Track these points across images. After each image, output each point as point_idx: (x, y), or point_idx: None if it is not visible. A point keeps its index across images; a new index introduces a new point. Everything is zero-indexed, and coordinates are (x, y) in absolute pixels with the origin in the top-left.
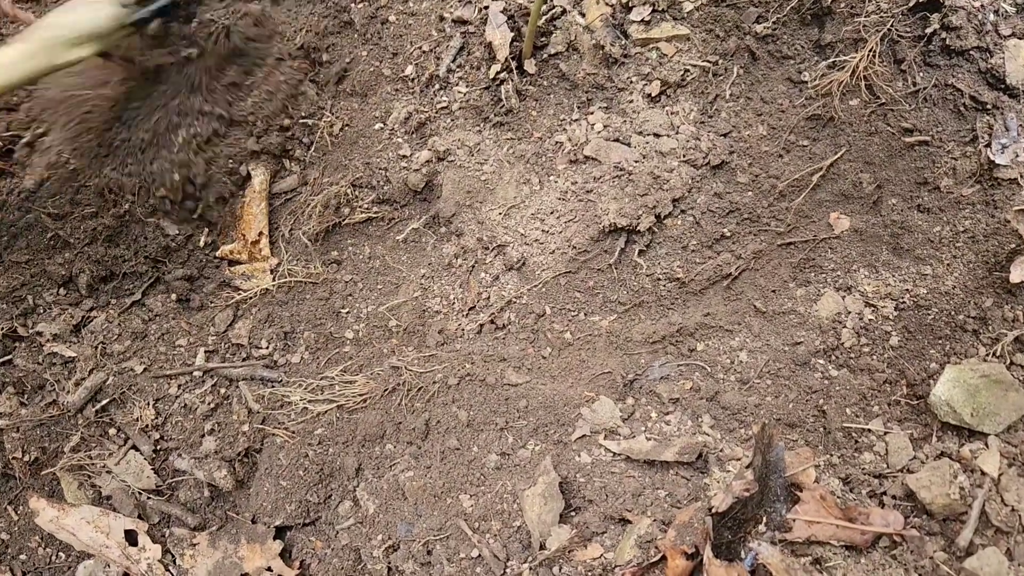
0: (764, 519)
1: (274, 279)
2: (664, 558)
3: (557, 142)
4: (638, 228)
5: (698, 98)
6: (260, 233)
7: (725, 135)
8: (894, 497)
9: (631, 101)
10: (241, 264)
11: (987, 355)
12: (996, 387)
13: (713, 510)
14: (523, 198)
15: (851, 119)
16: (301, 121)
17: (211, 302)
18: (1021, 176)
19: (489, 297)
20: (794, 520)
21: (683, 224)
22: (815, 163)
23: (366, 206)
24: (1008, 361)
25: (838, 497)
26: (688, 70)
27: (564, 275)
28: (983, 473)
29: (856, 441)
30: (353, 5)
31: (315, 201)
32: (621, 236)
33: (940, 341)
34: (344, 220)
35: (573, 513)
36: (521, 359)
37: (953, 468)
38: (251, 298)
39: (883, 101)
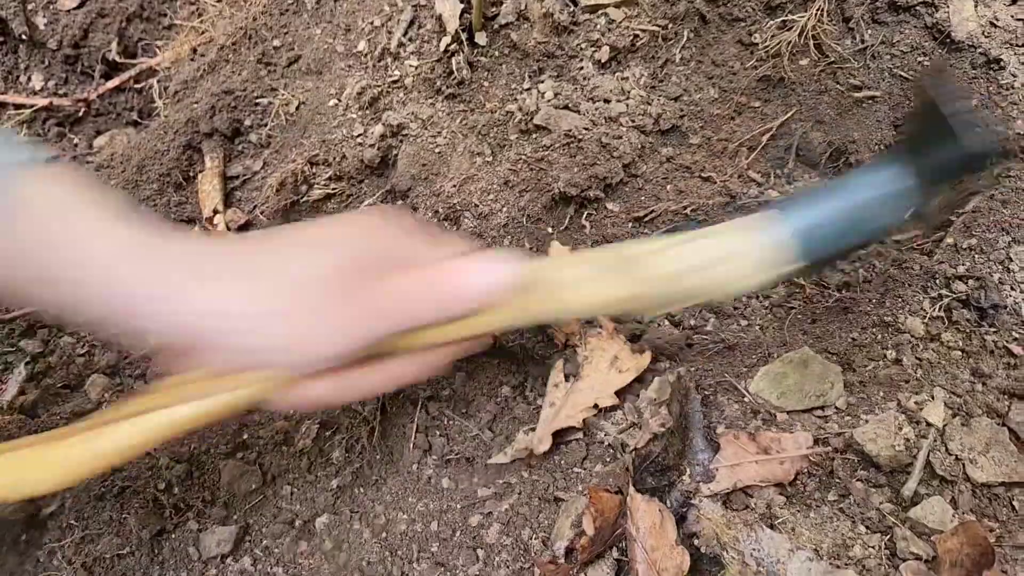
0: (688, 471)
1: None
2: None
3: (508, 112)
4: (586, 197)
5: (648, 63)
6: (215, 210)
7: (676, 99)
8: (840, 451)
9: (581, 68)
10: None
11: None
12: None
13: (631, 448)
14: (476, 169)
15: (801, 79)
16: (254, 101)
17: None
18: None
19: None
20: (717, 469)
21: (632, 189)
22: (766, 123)
23: (323, 183)
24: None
25: (750, 433)
26: (638, 35)
27: (519, 247)
28: (928, 424)
29: None
30: None
31: (272, 180)
32: (571, 205)
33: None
34: (302, 198)
35: None
36: None
37: (898, 420)
38: None
39: (832, 60)
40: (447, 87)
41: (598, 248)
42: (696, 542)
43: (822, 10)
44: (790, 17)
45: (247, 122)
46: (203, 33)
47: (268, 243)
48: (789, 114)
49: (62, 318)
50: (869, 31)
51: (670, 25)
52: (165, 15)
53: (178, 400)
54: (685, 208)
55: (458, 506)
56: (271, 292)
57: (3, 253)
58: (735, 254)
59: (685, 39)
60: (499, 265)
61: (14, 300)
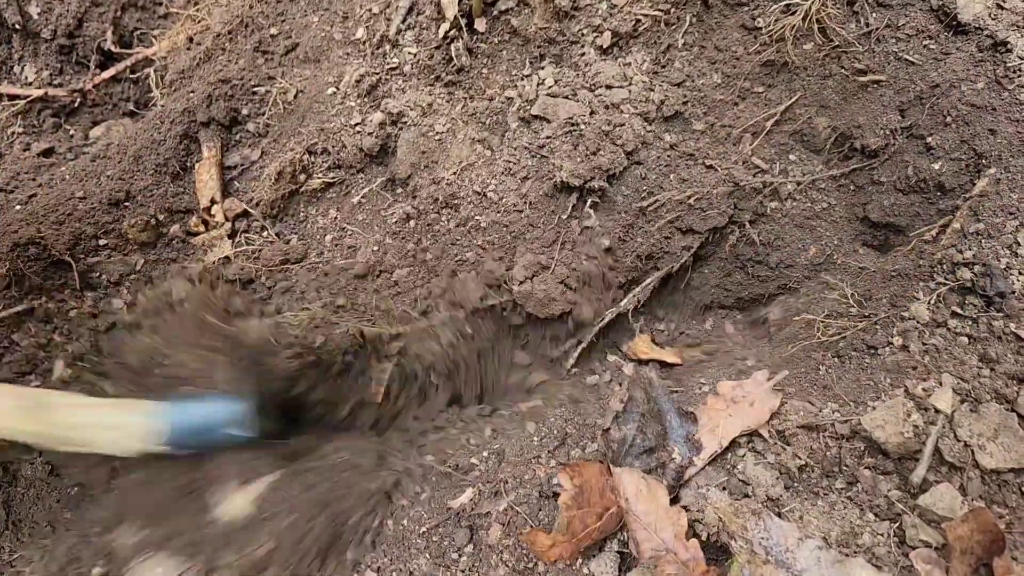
0: (675, 448)
1: (233, 246)
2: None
3: (508, 98)
4: (590, 187)
5: (650, 48)
6: (212, 200)
7: (679, 85)
8: (847, 439)
9: (583, 54)
10: (200, 234)
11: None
12: None
13: (602, 429)
14: (476, 157)
15: (805, 63)
16: (252, 90)
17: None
18: None
19: None
20: (700, 438)
21: (635, 177)
22: (770, 109)
23: (322, 172)
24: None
25: (715, 393)
26: (640, 20)
27: (518, 234)
28: (936, 410)
29: None
30: None
31: (271, 169)
32: (573, 194)
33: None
34: (301, 187)
35: None
36: None
37: (907, 407)
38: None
39: (836, 44)
40: (446, 74)
41: (27, 388)
42: (700, 529)
43: None
44: (793, 1)
45: (245, 111)
46: (199, 21)
47: None
48: (793, 99)
49: None
50: (874, 14)
51: (672, 10)
52: (160, 3)
53: None
54: (689, 197)
55: None
56: None
57: None
58: (122, 426)
59: (687, 24)
60: None
61: None
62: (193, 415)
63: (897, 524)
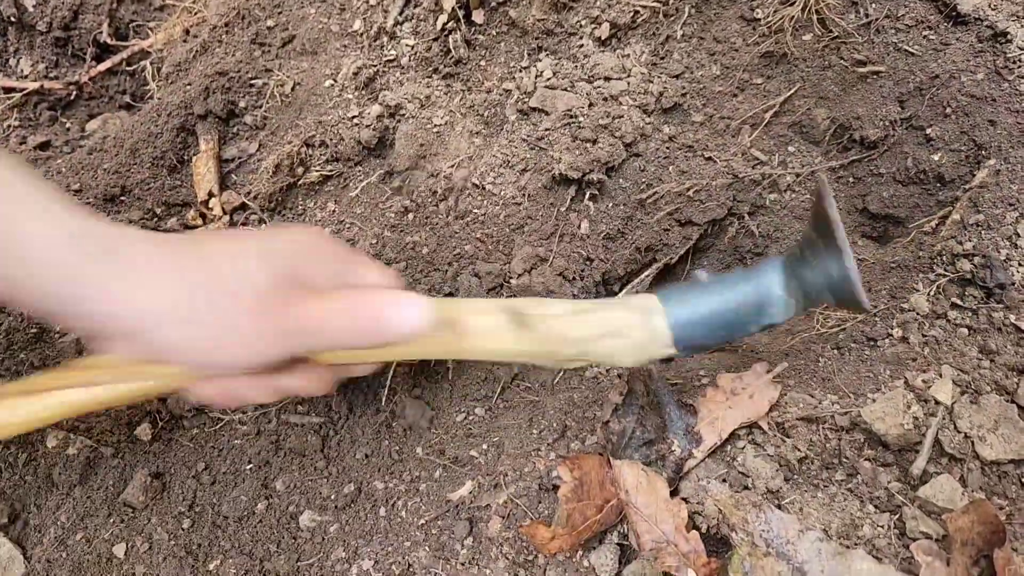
0: (675, 441)
1: None
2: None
3: (506, 90)
4: (588, 179)
5: (649, 40)
6: (210, 193)
7: (677, 76)
8: (847, 431)
9: (581, 46)
10: (198, 228)
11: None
12: None
13: (601, 421)
14: (475, 149)
15: (804, 55)
16: (249, 82)
17: None
18: None
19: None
20: (699, 431)
21: (633, 169)
22: (769, 100)
23: (320, 165)
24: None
25: (714, 385)
26: (638, 11)
27: (517, 227)
28: (937, 402)
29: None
30: None
31: (268, 162)
32: (571, 186)
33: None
34: (298, 180)
35: None
36: None
37: (907, 398)
38: None
39: (836, 35)
40: (444, 66)
41: (505, 300)
42: (700, 522)
43: None
44: None
45: (242, 104)
46: (195, 13)
47: (201, 247)
48: (792, 91)
49: None
50: (873, 5)
51: (671, 0)
52: None
53: (86, 381)
54: (688, 189)
55: None
56: (194, 296)
57: None
58: (625, 332)
59: (686, 15)
60: (418, 306)
61: None
62: (703, 306)
63: (897, 516)
